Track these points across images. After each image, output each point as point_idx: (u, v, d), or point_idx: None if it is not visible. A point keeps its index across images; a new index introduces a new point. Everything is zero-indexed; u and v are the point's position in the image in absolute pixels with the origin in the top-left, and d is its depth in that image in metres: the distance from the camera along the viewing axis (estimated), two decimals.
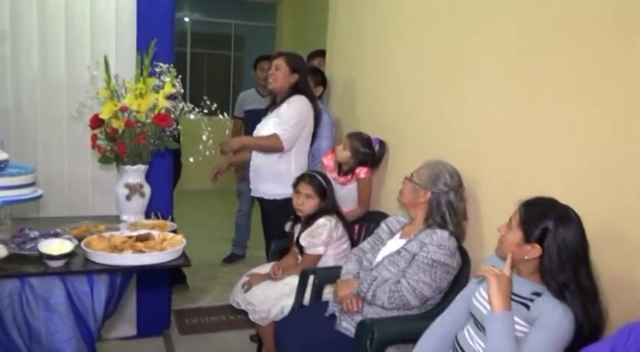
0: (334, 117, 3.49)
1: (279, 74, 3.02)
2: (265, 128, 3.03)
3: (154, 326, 3.18)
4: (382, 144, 2.96)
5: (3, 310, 1.83)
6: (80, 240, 2.02)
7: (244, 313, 2.73)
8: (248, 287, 2.68)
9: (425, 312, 2.12)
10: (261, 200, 3.17)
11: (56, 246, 1.88)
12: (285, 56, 3.07)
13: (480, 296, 1.69)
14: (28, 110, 2.79)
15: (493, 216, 2.12)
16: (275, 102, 3.10)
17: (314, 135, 3.15)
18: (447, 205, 2.15)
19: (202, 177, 6.00)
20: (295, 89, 3.02)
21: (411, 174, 2.22)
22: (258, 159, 3.10)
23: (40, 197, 2.12)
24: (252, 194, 3.22)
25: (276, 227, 3.09)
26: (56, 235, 2.05)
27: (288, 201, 2.90)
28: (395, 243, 2.23)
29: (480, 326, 1.65)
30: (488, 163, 2.18)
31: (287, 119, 2.94)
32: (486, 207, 2.21)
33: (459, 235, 2.17)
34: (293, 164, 3.03)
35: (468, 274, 2.16)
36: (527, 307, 1.55)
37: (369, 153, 2.92)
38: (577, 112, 1.77)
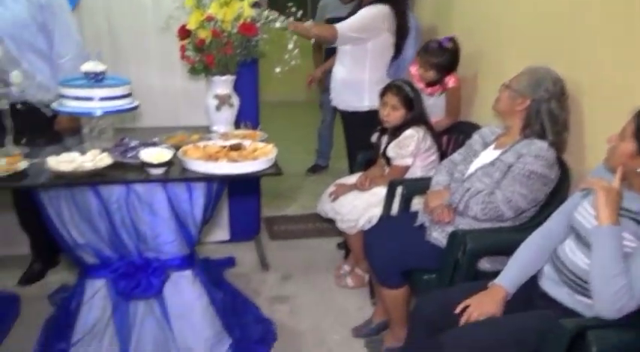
0: (423, 23, 3.32)
1: None
2: None
3: (245, 232, 3.33)
4: (453, 40, 2.80)
5: (112, 213, 1.96)
6: (177, 149, 2.09)
7: (331, 221, 2.80)
8: (335, 196, 2.72)
9: (519, 225, 2.07)
10: (340, 111, 3.15)
11: (156, 155, 1.95)
12: None
13: (585, 210, 1.61)
14: (118, 24, 2.84)
15: (598, 127, 1.99)
16: (359, 8, 2.96)
17: (399, 48, 3.01)
18: (547, 114, 2.02)
19: (285, 88, 6.04)
20: None
21: (510, 81, 2.08)
22: (337, 71, 3.06)
23: (136, 107, 2.19)
24: (332, 103, 3.20)
25: (354, 138, 3.09)
26: (154, 144, 2.12)
27: (364, 114, 2.91)
28: (489, 154, 2.15)
29: (583, 241, 1.59)
30: (596, 69, 2.00)
31: (353, 19, 2.85)
32: (591, 117, 2.06)
33: (558, 146, 2.05)
34: (367, 76, 2.96)
35: (567, 187, 2.06)
36: (638, 222, 1.47)
37: (447, 59, 2.78)
38: None
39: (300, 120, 6.15)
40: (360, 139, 2.98)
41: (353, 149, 3.14)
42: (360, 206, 2.61)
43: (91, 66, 2.05)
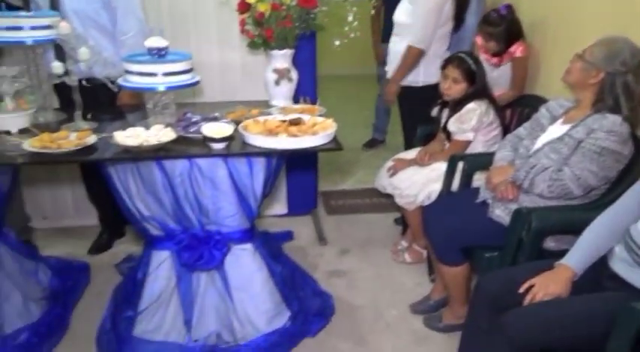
0: None
1: None
2: (399, 11, 2.89)
3: (302, 206, 3.36)
4: (510, 8, 2.68)
5: (176, 187, 2.01)
6: (237, 123, 2.10)
7: (388, 196, 2.77)
8: (393, 171, 2.69)
9: (588, 203, 1.99)
10: None
11: (217, 130, 1.97)
12: None
13: None
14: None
15: None
16: None
17: (460, 20, 2.91)
18: (622, 88, 1.91)
19: (342, 61, 5.98)
20: None
21: (583, 51, 1.97)
22: (393, 42, 2.98)
23: (197, 83, 2.21)
24: (387, 76, 3.13)
25: (408, 113, 3.03)
26: (215, 119, 2.15)
27: (418, 89, 2.86)
28: (557, 129, 2.05)
29: None
30: None
31: (417, 16, 2.75)
32: None
33: (633, 121, 1.93)
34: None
35: None
36: None
37: (505, 28, 2.66)
38: None
39: (357, 94, 6.09)
40: (415, 115, 2.93)
41: (407, 124, 3.09)
42: (419, 181, 2.57)
43: (154, 41, 2.08)
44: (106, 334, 2.20)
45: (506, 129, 2.62)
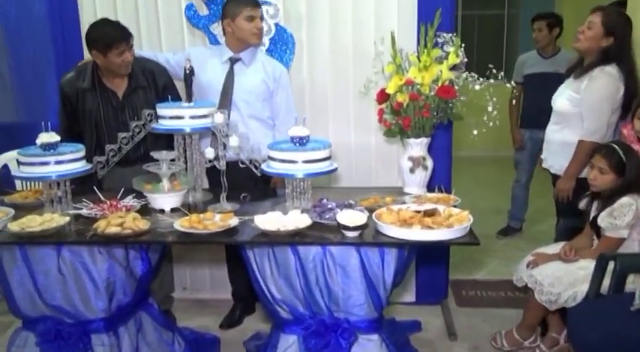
0: None
1: (589, 34, 2.60)
2: (560, 99, 2.75)
3: (431, 295, 3.23)
4: None
5: (308, 272, 2.04)
6: (370, 211, 2.11)
7: (524, 291, 2.58)
8: (534, 266, 2.52)
9: None
10: (552, 174, 2.90)
11: (352, 217, 1.99)
12: (602, 13, 2.60)
13: None
14: (320, 87, 3.03)
15: None
16: (580, 64, 2.73)
17: (629, 107, 2.71)
18: None
19: (477, 144, 5.88)
20: (606, 54, 2.60)
21: None
22: (552, 131, 2.84)
23: (335, 170, 2.28)
24: (543, 165, 2.97)
25: (565, 205, 2.82)
26: (350, 206, 2.18)
27: (581, 181, 2.65)
28: None
29: None
30: None
31: (588, 106, 2.60)
32: None
33: None
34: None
35: None
36: None
37: None
38: None
39: (491, 177, 5.91)
40: (573, 208, 2.72)
41: (565, 215, 2.88)
42: (564, 279, 2.37)
43: (297, 131, 2.20)
44: None
45: None
